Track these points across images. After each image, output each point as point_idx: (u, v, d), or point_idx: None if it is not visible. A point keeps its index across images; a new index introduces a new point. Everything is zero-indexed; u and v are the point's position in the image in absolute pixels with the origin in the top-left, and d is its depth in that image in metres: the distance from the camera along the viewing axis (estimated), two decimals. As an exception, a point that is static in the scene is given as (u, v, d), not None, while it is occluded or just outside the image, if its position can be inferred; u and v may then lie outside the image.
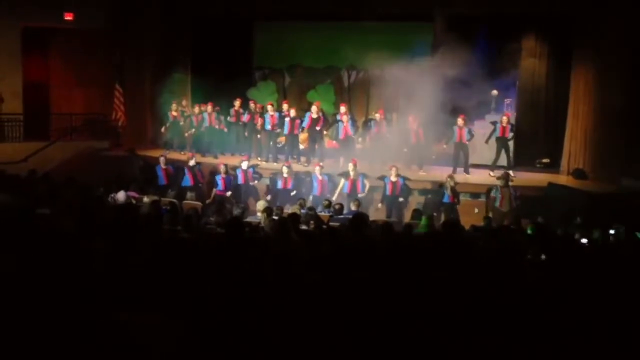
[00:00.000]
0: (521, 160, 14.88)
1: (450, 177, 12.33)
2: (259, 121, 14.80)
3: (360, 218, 7.44)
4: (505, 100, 15.85)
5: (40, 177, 12.07)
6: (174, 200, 10.96)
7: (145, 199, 10.46)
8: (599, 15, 13.46)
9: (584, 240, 8.36)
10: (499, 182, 12.13)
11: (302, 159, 14.67)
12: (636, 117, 13.02)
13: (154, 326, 3.40)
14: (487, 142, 14.03)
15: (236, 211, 10.00)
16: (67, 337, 3.31)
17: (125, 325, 3.35)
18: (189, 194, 12.56)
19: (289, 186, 12.77)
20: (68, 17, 16.37)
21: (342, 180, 12.58)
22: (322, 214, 10.48)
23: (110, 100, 16.43)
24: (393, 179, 12.33)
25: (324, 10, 15.95)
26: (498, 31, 14.80)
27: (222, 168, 13.10)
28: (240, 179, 13.05)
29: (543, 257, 6.52)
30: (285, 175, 12.79)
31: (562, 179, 13.91)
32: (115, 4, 16.51)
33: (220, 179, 12.95)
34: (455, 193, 12.07)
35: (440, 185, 12.43)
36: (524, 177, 13.81)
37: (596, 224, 9.51)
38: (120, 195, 10.43)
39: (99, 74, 16.75)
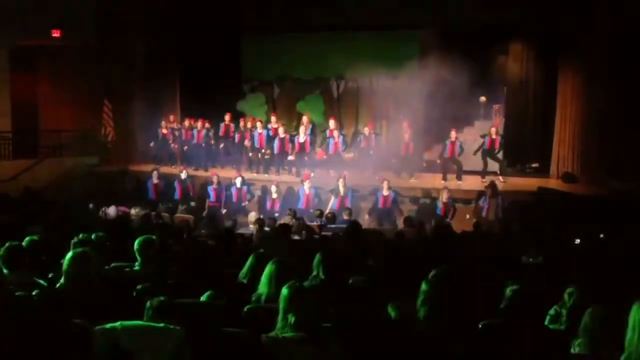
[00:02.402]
0: (511, 165, 14.95)
1: (446, 188, 12.34)
2: (248, 140, 14.76)
3: (355, 226, 7.48)
4: (494, 106, 15.94)
5: (31, 195, 12.04)
6: (165, 214, 10.97)
7: (133, 212, 10.44)
8: (584, 20, 13.54)
9: (577, 241, 8.42)
10: (487, 192, 12.17)
11: (293, 169, 14.66)
12: (623, 120, 13.11)
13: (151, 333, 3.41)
14: (474, 154, 14.05)
15: (228, 223, 10.01)
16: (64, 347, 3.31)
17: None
18: (180, 207, 12.53)
19: (276, 208, 12.59)
20: (55, 34, 16.35)
21: (332, 198, 12.52)
22: (314, 223, 10.48)
23: (99, 116, 16.40)
24: (385, 192, 12.30)
25: (312, 21, 15.99)
26: (485, 38, 14.87)
27: (214, 179, 13.08)
28: (234, 197, 12.98)
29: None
30: (274, 196, 12.69)
31: (552, 182, 13.98)
32: (102, 19, 16.49)
33: (212, 190, 12.93)
34: (448, 207, 12.08)
35: (434, 198, 12.46)
36: (513, 182, 13.88)
37: (586, 227, 9.56)
38: (111, 210, 10.42)
39: (88, 90, 16.70)
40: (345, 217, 11.10)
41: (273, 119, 15.05)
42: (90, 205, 11.08)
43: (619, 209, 11.15)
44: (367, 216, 12.37)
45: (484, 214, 11.84)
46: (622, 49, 13.05)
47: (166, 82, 16.99)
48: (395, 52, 15.84)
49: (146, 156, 16.42)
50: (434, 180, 13.58)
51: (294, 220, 10.02)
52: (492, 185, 12.21)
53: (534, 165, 15.38)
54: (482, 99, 15.71)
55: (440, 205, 12.09)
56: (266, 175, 14.38)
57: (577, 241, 8.53)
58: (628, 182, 12.55)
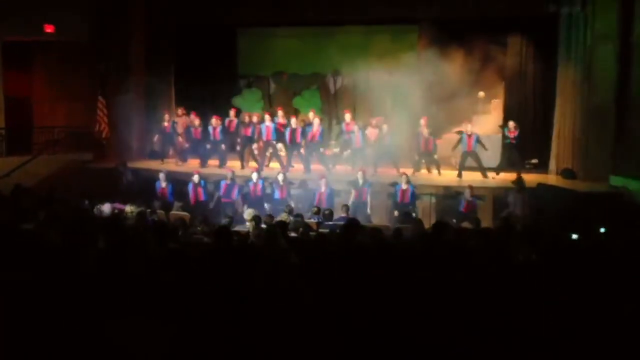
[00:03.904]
0: (510, 161, 14.86)
1: (470, 187, 12.17)
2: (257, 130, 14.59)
3: (352, 224, 7.37)
4: (492, 101, 15.87)
5: (25, 192, 11.92)
6: (161, 211, 10.88)
7: (128, 209, 10.34)
8: (581, 14, 13.48)
9: (575, 236, 8.34)
10: (514, 187, 12.12)
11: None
12: (623, 116, 13.03)
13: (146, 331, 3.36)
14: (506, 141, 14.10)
15: (223, 220, 9.92)
16: (61, 344, 3.27)
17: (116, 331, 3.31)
18: (175, 204, 12.43)
19: (284, 196, 12.44)
20: (49, 29, 16.20)
21: (352, 191, 12.41)
22: (311, 220, 10.39)
23: (93, 113, 16.26)
24: (404, 186, 12.22)
25: (308, 16, 15.85)
26: (483, 33, 14.78)
27: (228, 174, 12.88)
28: (250, 192, 12.75)
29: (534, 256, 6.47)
30: (281, 183, 12.54)
31: (551, 179, 13.91)
32: (96, 15, 16.35)
33: (223, 185, 12.75)
34: (471, 204, 11.98)
35: (458, 194, 12.40)
36: (513, 178, 13.80)
37: (586, 223, 9.49)
38: (106, 207, 10.30)
39: (82, 86, 16.56)
40: (343, 214, 11.02)
41: (280, 112, 14.89)
42: (86, 202, 10.96)
43: (618, 206, 11.11)
44: (395, 212, 12.23)
45: (511, 208, 11.78)
46: (621, 42, 12.96)
47: (161, 77, 16.84)
48: (392, 47, 15.74)
49: (141, 153, 16.30)
50: (450, 177, 13.68)
51: (290, 218, 9.94)
52: (519, 180, 12.12)
53: (533, 161, 15.29)
54: (481, 94, 15.63)
55: (463, 202, 12.01)
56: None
57: (574, 236, 8.46)
58: (628, 179, 12.48)
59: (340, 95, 17.53)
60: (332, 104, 17.11)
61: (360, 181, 12.33)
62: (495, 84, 15.74)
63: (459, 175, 13.75)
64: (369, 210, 12.19)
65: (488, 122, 14.95)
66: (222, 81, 17.44)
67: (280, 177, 12.59)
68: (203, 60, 17.10)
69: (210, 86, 16.76)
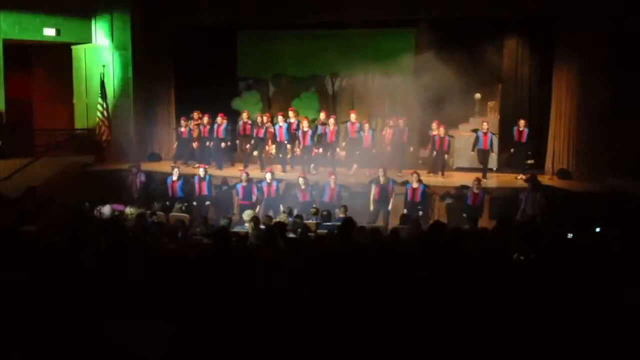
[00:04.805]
0: (506, 162, 14.95)
1: (477, 179, 12.29)
2: (270, 132, 14.63)
3: (349, 224, 7.45)
4: (489, 103, 15.92)
5: (26, 194, 11.99)
6: (161, 213, 10.94)
7: (128, 211, 10.41)
8: (578, 15, 13.54)
9: (570, 235, 8.41)
10: (527, 186, 12.14)
11: (311, 166, 14.49)
12: (619, 116, 13.08)
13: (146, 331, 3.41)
14: (511, 150, 14.18)
15: (223, 222, 9.98)
16: (62, 344, 3.31)
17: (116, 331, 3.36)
18: (176, 206, 12.48)
19: (307, 199, 12.42)
20: (50, 32, 16.27)
21: (373, 187, 12.43)
22: (310, 221, 10.46)
23: (94, 115, 16.32)
24: (414, 185, 12.26)
25: (307, 18, 15.90)
26: (480, 34, 14.85)
27: (243, 176, 12.85)
28: (265, 193, 12.77)
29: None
30: (302, 187, 12.51)
31: (547, 179, 13.96)
32: (96, 17, 16.43)
33: (240, 188, 12.79)
34: (478, 197, 12.04)
35: (465, 188, 12.46)
36: (508, 179, 13.89)
37: (583, 222, 9.55)
38: (106, 209, 10.38)
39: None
40: (341, 215, 11.08)
41: (291, 113, 14.89)
42: (86, 204, 11.04)
43: (614, 206, 11.14)
44: (405, 210, 12.19)
45: (522, 206, 11.81)
46: (617, 43, 13.03)
47: (160, 79, 16.90)
48: (390, 49, 15.78)
49: (141, 155, 16.34)
50: (455, 178, 13.79)
51: (289, 219, 10.02)
52: (534, 178, 12.17)
53: (529, 161, 15.33)
54: (477, 95, 15.67)
55: (470, 196, 12.06)
56: (284, 173, 14.19)
57: (570, 235, 8.53)
58: (624, 179, 12.52)
59: (338, 97, 17.55)
60: (330, 106, 17.13)
61: (382, 179, 12.32)
62: (492, 86, 15.80)
63: (484, 176, 13.61)
64: (390, 207, 12.23)
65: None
66: (221, 83, 17.47)
67: (301, 181, 12.58)
68: (203, 62, 17.13)
69: (209, 88, 16.78)
